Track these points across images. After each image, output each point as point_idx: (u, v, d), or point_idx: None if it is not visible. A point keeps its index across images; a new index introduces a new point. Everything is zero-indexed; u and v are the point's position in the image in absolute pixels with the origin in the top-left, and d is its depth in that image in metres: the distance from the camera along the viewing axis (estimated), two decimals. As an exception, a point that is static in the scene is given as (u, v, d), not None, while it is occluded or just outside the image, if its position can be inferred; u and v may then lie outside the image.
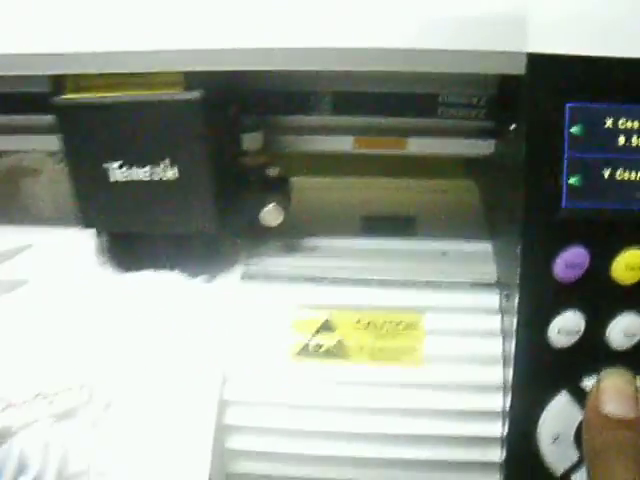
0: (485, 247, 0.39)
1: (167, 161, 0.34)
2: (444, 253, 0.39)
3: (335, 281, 0.37)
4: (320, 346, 0.34)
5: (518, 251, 0.32)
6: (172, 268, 0.38)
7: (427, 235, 0.41)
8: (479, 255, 0.39)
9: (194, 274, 0.38)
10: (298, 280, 0.37)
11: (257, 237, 0.39)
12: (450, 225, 0.41)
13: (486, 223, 0.42)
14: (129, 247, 0.38)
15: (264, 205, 0.37)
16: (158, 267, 0.38)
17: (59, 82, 0.35)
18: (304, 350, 0.34)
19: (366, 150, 0.39)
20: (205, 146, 0.34)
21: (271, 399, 0.34)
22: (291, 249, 0.39)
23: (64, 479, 0.33)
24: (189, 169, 0.34)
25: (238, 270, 0.38)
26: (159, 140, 0.34)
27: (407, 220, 0.42)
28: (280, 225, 0.38)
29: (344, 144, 0.39)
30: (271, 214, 0.37)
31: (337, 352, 0.34)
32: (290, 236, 0.40)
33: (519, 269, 0.32)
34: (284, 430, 0.34)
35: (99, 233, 0.39)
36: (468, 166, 0.45)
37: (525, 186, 0.32)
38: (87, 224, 0.38)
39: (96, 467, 0.33)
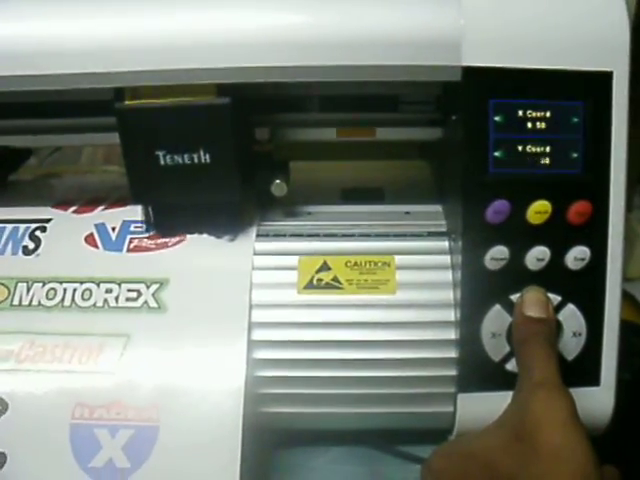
0: (437, 208, 0.52)
1: (202, 149, 0.46)
2: (407, 213, 0.52)
3: (328, 235, 0.49)
4: (321, 280, 0.47)
5: (460, 205, 0.45)
6: (202, 232, 0.50)
7: (393, 201, 0.53)
8: (432, 214, 0.51)
9: (220, 235, 0.50)
10: (301, 236, 0.49)
11: (266, 206, 0.52)
12: (410, 194, 0.54)
13: (436, 191, 0.55)
14: (170, 217, 0.50)
15: (272, 181, 0.49)
16: (192, 232, 0.50)
17: (119, 92, 0.46)
18: (309, 284, 0.47)
19: (345, 138, 0.52)
20: (231, 138, 0.46)
21: (286, 320, 0.46)
22: (292, 214, 0.52)
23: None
24: (218, 155, 0.46)
25: (253, 230, 0.50)
26: (196, 134, 0.46)
27: (377, 191, 0.55)
28: (283, 196, 0.50)
29: (329, 134, 0.51)
30: (277, 188, 0.49)
31: (333, 285, 0.47)
32: (291, 204, 0.52)
33: (462, 218, 0.45)
34: (298, 342, 0.46)
35: (146, 207, 0.50)
36: (422, 150, 0.58)
37: (464, 159, 0.45)
38: (138, 200, 0.49)
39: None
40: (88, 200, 0.53)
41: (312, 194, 0.53)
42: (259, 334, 0.46)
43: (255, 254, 0.48)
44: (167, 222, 0.50)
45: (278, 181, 0.49)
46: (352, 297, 0.47)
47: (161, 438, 0.40)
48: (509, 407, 0.41)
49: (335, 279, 0.47)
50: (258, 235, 0.49)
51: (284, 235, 0.49)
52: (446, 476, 0.41)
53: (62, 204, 0.52)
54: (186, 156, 0.46)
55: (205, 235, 0.49)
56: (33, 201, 0.53)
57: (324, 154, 0.56)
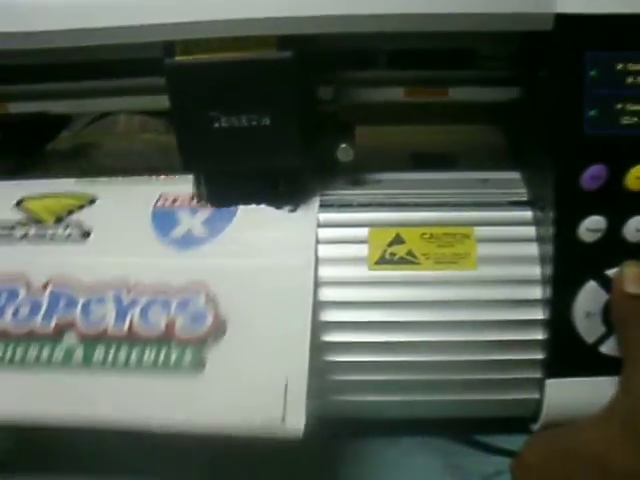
0: (515, 175, 0.47)
1: (261, 110, 0.42)
2: (484, 180, 0.47)
3: (400, 205, 0.45)
4: (394, 255, 0.42)
5: (551, 171, 0.41)
6: (259, 202, 0.46)
7: (467, 168, 0.49)
8: (511, 181, 0.46)
9: (279, 206, 0.45)
10: (369, 205, 0.45)
11: (330, 173, 0.47)
12: (484, 160, 0.49)
13: (512, 157, 0.50)
14: (224, 186, 0.46)
15: (337, 145, 0.45)
16: (248, 202, 0.46)
17: (169, 46, 0.41)
18: (381, 259, 0.42)
19: (415, 99, 0.47)
20: (293, 97, 0.41)
21: (356, 299, 0.42)
22: (359, 182, 0.47)
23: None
24: (279, 116, 0.42)
25: (316, 200, 0.45)
26: (255, 92, 0.41)
27: (449, 157, 0.50)
28: (349, 163, 0.46)
29: (397, 94, 0.47)
30: (343, 152, 0.45)
31: (408, 259, 0.42)
32: (357, 171, 0.47)
33: (553, 185, 0.40)
34: (369, 323, 0.42)
35: (198, 176, 0.46)
36: (494, 113, 0.53)
37: (554, 120, 0.40)
38: (189, 168, 0.45)
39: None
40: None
41: (379, 160, 0.49)
42: (326, 315, 0.42)
43: (319, 226, 0.43)
44: (221, 192, 0.46)
45: (344, 145, 0.45)
46: (429, 273, 0.42)
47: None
48: (617, 396, 0.37)
49: (410, 253, 0.42)
50: (322, 205, 0.45)
51: (351, 205, 0.45)
52: (545, 475, 0.36)
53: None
54: (243, 118, 0.42)
55: (263, 206, 0.45)
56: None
57: (391, 117, 0.52)
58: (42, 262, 0.43)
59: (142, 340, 0.39)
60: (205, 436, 0.36)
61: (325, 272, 0.42)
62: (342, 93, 0.46)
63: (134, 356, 0.39)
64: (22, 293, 0.41)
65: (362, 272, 0.42)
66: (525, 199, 0.45)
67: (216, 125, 0.42)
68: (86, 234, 0.44)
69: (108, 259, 0.43)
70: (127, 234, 0.44)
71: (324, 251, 0.43)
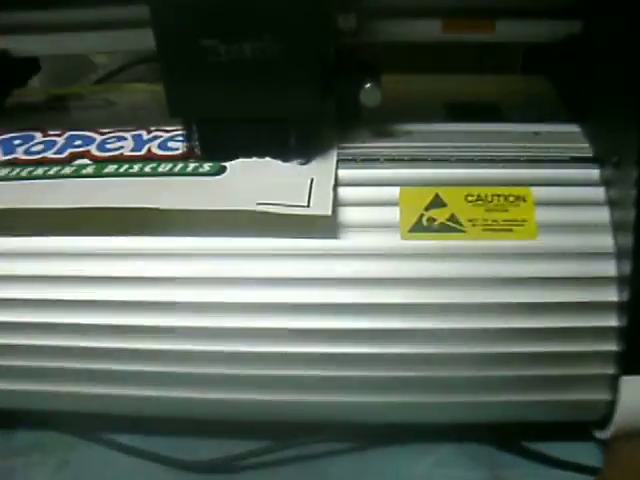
0: (573, 128, 0.39)
1: (269, 38, 0.33)
2: (536, 133, 0.39)
3: (437, 160, 0.36)
4: (433, 220, 0.34)
5: (635, 122, 0.32)
6: (264, 155, 0.37)
7: (513, 119, 0.40)
8: (570, 135, 0.38)
9: (288, 159, 0.37)
10: (400, 160, 0.36)
11: (349, 123, 0.38)
12: (532, 111, 0.41)
13: (566, 108, 0.41)
14: (221, 136, 0.37)
15: (362, 85, 0.36)
16: (250, 155, 0.37)
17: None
18: (417, 225, 0.34)
19: (454, 35, 0.38)
20: (309, 21, 0.33)
21: (387, 274, 0.34)
22: (385, 133, 0.38)
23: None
24: (292, 46, 0.33)
25: (334, 153, 0.37)
26: (262, 14, 0.33)
27: (491, 107, 0.42)
28: (372, 110, 0.37)
29: (432, 28, 0.38)
30: (369, 95, 0.36)
31: (451, 225, 0.34)
32: (382, 122, 0.39)
33: (636, 139, 0.32)
34: (403, 306, 0.34)
35: (188, 124, 0.37)
36: (539, 62, 0.45)
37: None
38: (178, 113, 0.36)
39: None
40: None
41: (408, 111, 0.40)
42: (347, 295, 0.33)
43: (338, 185, 0.35)
44: (217, 144, 0.37)
45: (370, 84, 0.36)
46: (477, 243, 0.34)
47: None
48: None
49: (453, 219, 0.34)
50: (341, 160, 0.36)
51: (377, 159, 0.36)
52: None
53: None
54: (246, 47, 0.33)
55: (268, 159, 0.36)
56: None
57: (421, 62, 0.43)
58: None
59: (158, 158, 0.38)
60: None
61: (347, 242, 0.34)
62: (366, 25, 0.37)
63: (148, 168, 0.37)
64: (38, 136, 0.41)
65: (393, 241, 0.34)
66: (590, 155, 0.36)
67: (212, 59, 0.34)
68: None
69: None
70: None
71: (344, 216, 0.34)
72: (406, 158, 0.36)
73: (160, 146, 0.39)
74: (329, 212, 0.33)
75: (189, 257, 0.34)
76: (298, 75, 0.34)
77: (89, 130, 0.41)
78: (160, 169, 0.37)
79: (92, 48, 0.44)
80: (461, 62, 0.48)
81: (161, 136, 0.40)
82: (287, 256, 0.34)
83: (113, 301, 0.34)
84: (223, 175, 0.36)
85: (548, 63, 0.44)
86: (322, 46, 0.34)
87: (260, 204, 0.33)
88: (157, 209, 0.33)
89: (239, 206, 0.33)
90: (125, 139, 0.40)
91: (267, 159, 0.37)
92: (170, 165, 0.37)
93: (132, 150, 0.39)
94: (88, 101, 0.47)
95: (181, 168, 0.37)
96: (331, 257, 0.34)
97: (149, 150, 0.39)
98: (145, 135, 0.40)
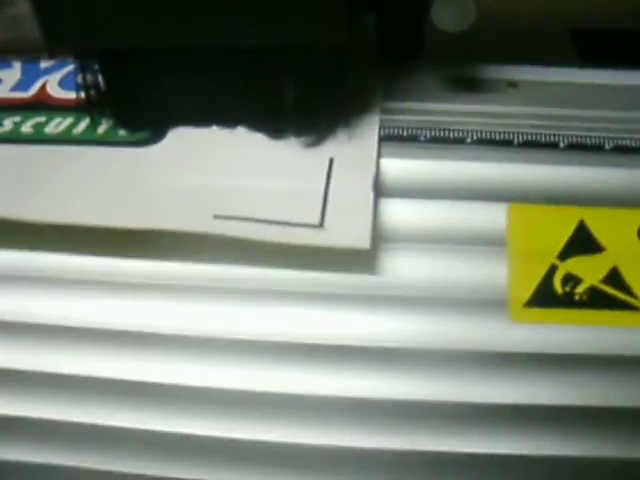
0: None
1: None
2: None
3: (575, 146, 0.18)
4: (577, 280, 0.17)
5: None
6: (236, 123, 0.19)
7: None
8: None
9: (279, 132, 0.19)
10: (499, 145, 0.18)
11: (404, 66, 0.20)
12: None
13: None
14: (145, 83, 0.19)
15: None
16: (207, 124, 0.19)
17: None
18: (542, 290, 0.17)
19: None
20: None
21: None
22: (469, 87, 0.20)
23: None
24: None
25: (374, 128, 0.19)
26: None
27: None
28: (447, 47, 0.19)
29: None
30: (451, 8, 0.18)
31: (614, 295, 0.17)
32: (466, 66, 0.21)
33: None
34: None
35: (81, 57, 0.19)
36: None
37: None
38: (58, 36, 0.18)
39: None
40: None
41: (513, 43, 0.22)
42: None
43: (382, 188, 0.18)
44: (142, 102, 0.19)
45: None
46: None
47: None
48: None
49: (616, 279, 0.17)
50: (387, 138, 0.18)
51: (456, 139, 0.19)
52: None
53: None
54: None
55: (240, 128, 0.19)
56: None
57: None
58: None
59: (54, 105, 0.25)
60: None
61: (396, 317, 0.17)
62: None
63: (29, 127, 0.24)
64: None
65: (494, 327, 0.17)
66: None
67: None
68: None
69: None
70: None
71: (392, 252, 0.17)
72: (515, 142, 0.18)
73: (62, 82, 0.26)
74: (367, 244, 0.18)
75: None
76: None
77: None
78: (48, 130, 0.23)
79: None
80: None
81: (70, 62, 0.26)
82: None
83: None
84: (156, 145, 0.21)
85: None
86: None
87: (218, 218, 0.18)
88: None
89: (183, 225, 0.18)
90: (10, 67, 0.28)
91: (239, 128, 0.19)
92: (70, 120, 0.23)
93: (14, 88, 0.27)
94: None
95: (85, 129, 0.22)
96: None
97: (42, 88, 0.26)
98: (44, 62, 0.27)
